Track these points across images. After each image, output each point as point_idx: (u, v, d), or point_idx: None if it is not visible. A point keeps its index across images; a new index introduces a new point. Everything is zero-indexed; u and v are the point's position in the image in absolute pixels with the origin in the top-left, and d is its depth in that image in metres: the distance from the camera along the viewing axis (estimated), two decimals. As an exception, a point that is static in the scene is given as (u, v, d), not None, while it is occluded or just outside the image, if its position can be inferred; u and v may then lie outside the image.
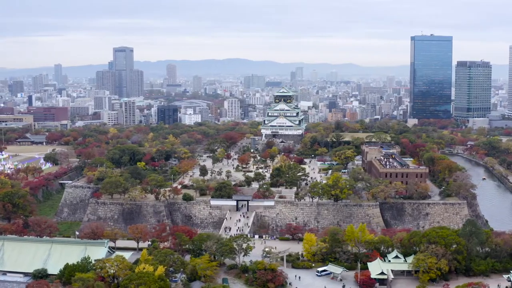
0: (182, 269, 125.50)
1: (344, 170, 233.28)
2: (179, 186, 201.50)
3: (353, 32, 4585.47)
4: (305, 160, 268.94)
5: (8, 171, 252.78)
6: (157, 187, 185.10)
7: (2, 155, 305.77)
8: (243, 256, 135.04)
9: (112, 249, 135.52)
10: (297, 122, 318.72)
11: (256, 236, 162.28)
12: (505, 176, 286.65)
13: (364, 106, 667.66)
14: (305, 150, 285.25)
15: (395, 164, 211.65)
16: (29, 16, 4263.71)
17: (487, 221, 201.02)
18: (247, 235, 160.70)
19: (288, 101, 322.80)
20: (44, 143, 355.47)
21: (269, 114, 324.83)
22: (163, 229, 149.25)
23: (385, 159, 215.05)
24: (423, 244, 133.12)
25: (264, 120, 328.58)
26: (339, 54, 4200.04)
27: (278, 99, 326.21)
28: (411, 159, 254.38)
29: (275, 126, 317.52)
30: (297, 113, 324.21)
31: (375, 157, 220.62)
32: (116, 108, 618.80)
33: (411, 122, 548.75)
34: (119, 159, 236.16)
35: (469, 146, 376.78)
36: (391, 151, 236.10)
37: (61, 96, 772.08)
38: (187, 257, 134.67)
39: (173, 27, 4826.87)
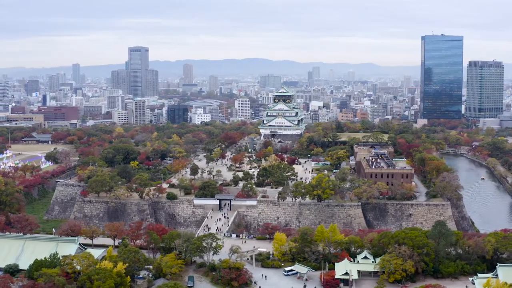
0: (150, 267, 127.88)
1: (336, 170, 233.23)
2: (167, 185, 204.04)
3: (374, 32, 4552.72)
4: (301, 160, 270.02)
5: (8, 169, 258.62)
6: (142, 186, 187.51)
7: (6, 153, 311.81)
8: (213, 254, 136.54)
9: (84, 246, 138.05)
10: (296, 122, 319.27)
11: (234, 235, 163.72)
12: (505, 177, 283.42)
13: (376, 106, 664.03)
14: (300, 150, 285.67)
15: (381, 164, 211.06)
16: (51, 16, 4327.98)
17: (473, 223, 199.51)
18: (225, 234, 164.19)
19: (287, 101, 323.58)
20: (50, 142, 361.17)
21: (268, 114, 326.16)
22: (139, 227, 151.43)
23: (373, 160, 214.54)
24: (391, 245, 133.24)
25: (263, 120, 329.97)
26: (359, 54, 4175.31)
27: (277, 99, 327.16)
28: (405, 159, 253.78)
29: (274, 126, 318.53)
30: (296, 113, 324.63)
31: (364, 157, 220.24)
32: (129, 107, 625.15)
33: (421, 122, 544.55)
34: (112, 158, 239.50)
35: (473, 146, 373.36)
36: (381, 151, 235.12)
37: (76, 96, 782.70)
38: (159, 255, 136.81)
39: (194, 26, 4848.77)
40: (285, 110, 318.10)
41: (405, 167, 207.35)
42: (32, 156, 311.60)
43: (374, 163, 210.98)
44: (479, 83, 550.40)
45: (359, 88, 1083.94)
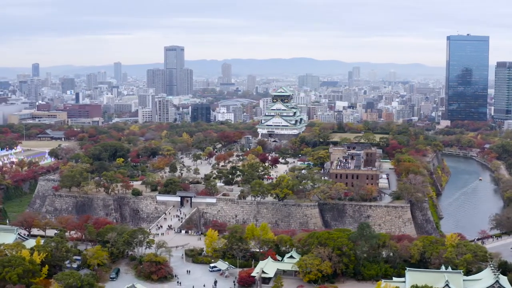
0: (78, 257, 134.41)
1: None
2: (140, 182, 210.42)
3: (423, 32, 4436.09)
4: (290, 159, 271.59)
5: (8, 164, 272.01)
6: (108, 182, 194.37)
7: (15, 149, 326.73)
8: (145, 248, 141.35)
9: (24, 236, 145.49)
10: (293, 122, 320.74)
11: (183, 232, 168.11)
12: (502, 179, 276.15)
13: (403, 107, 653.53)
14: (293, 149, 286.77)
15: (349, 165, 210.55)
16: (101, 15, 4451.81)
17: (437, 226, 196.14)
18: (175, 230, 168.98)
19: (285, 100, 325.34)
20: (63, 139, 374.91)
21: (266, 114, 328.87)
22: (86, 220, 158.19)
23: (344, 160, 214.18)
24: (314, 245, 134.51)
25: (261, 120, 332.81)
26: (407, 54, 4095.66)
27: (276, 98, 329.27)
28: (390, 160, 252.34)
29: (271, 125, 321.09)
30: (294, 113, 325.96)
31: (338, 158, 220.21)
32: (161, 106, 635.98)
33: (444, 123, 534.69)
34: (99, 155, 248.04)
35: (483, 149, 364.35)
36: (357, 152, 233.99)
37: (110, 94, 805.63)
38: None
39: (242, 26, 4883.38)
40: (282, 110, 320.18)
41: (371, 168, 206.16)
42: (40, 152, 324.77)
43: (342, 164, 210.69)
44: (507, 84, 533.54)
45: (399, 89, 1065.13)
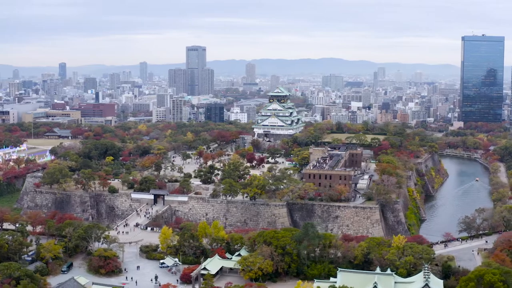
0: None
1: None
2: (119, 180, 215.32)
3: (454, 32, 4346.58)
4: (280, 159, 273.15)
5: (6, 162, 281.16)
6: (86, 179, 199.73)
7: (20, 147, 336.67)
8: (102, 244, 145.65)
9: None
10: (289, 122, 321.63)
11: (149, 229, 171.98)
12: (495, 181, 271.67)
13: (419, 108, 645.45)
14: (279, 149, 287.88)
15: (325, 165, 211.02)
16: (130, 14, 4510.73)
17: (409, 228, 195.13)
18: (141, 227, 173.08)
19: (282, 101, 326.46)
20: (70, 137, 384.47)
21: (262, 114, 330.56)
22: (52, 216, 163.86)
23: (322, 160, 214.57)
24: (260, 244, 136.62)
25: (258, 120, 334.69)
26: (438, 54, 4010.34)
27: (272, 99, 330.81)
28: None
29: (267, 125, 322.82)
30: (291, 113, 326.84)
31: (317, 158, 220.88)
32: (175, 105, 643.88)
33: (457, 124, 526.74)
34: (89, 153, 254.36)
35: (488, 150, 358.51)
36: (338, 152, 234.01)
37: (132, 93, 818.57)
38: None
39: (271, 26, 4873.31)
40: (278, 110, 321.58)
41: (345, 169, 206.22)
42: (44, 150, 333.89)
43: (319, 164, 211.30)
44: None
45: (423, 90, 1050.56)
